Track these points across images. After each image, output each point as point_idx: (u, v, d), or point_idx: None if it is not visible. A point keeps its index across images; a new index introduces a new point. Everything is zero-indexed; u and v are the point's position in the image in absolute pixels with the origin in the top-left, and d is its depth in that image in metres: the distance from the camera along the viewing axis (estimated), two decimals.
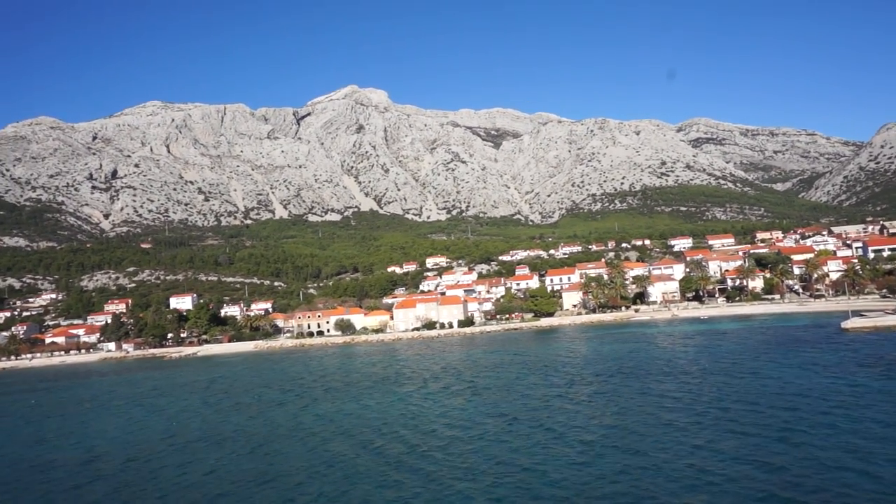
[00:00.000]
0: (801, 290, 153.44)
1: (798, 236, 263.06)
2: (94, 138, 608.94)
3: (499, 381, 66.27)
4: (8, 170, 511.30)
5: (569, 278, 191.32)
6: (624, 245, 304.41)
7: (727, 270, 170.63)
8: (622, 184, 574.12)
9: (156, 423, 57.78)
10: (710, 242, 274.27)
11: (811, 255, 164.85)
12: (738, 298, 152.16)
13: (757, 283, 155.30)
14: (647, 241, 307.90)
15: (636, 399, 49.62)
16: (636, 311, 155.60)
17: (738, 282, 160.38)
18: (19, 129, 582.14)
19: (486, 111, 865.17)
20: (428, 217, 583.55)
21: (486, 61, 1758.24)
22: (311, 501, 31.14)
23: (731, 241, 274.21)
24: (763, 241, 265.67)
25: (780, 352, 70.17)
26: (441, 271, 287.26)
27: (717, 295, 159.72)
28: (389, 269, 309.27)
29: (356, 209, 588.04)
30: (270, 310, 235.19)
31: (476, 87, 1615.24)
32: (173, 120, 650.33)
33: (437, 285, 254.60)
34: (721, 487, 28.56)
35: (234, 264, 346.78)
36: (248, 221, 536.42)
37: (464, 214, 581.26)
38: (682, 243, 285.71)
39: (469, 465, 35.31)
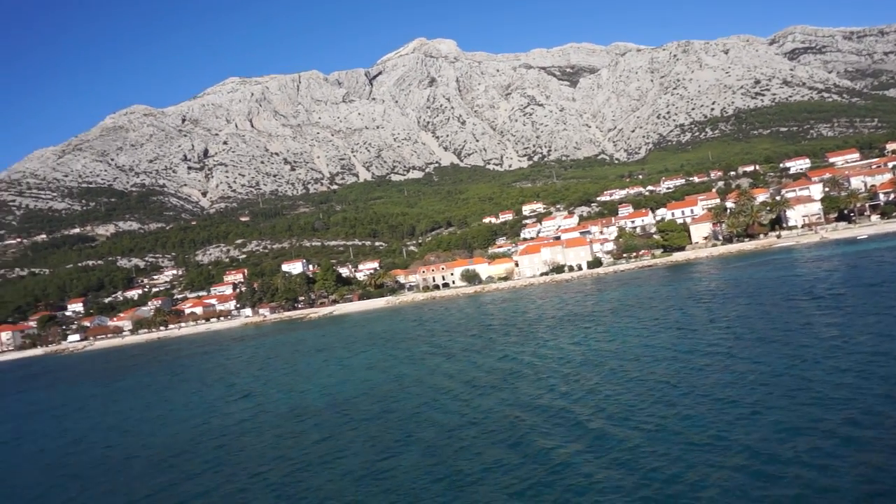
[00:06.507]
0: None
1: None
2: (183, 120, 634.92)
3: (723, 312, 59.87)
4: (113, 159, 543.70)
5: (692, 210, 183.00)
6: (731, 173, 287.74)
7: (874, 186, 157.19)
8: (712, 110, 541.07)
9: (448, 364, 53.91)
10: (832, 160, 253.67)
11: None
12: (894, 214, 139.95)
13: None
14: (758, 167, 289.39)
15: None
16: (777, 237, 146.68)
17: (891, 196, 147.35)
18: (117, 119, 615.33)
19: (560, 48, 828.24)
20: (510, 166, 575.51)
21: None
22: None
23: (856, 156, 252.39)
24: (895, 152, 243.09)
25: None
26: (540, 217, 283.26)
27: (867, 212, 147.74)
28: (485, 221, 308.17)
29: (437, 164, 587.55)
30: (379, 268, 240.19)
31: (547, 24, 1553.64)
32: (252, 94, 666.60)
33: (539, 231, 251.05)
34: None
35: (330, 229, 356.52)
36: (335, 186, 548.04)
37: (546, 159, 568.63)
38: (798, 164, 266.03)
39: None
